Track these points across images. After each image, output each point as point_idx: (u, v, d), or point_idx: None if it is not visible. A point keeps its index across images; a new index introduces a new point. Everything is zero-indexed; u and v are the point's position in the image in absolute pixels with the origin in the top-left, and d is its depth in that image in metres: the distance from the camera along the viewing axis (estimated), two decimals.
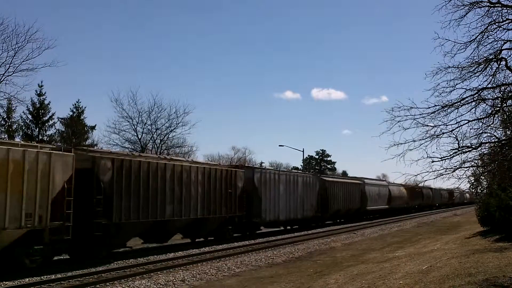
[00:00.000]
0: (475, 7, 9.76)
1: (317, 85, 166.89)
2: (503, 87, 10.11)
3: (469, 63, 9.93)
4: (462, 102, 9.84)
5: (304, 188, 32.68)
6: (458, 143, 9.95)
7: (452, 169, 9.95)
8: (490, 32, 9.86)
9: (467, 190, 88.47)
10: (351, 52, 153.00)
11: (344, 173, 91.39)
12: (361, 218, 45.63)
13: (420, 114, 9.93)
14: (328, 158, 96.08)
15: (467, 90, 9.90)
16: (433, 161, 9.92)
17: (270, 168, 32.99)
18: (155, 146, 45.45)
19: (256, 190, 26.72)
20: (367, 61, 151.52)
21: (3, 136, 37.05)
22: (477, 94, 9.90)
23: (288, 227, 32.47)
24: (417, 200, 65.99)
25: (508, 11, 9.80)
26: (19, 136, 39.55)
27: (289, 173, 32.86)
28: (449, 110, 9.86)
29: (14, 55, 31.96)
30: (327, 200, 36.68)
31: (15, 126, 40.74)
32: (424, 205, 70.72)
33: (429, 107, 9.91)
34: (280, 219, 29.73)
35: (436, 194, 77.86)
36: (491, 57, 9.85)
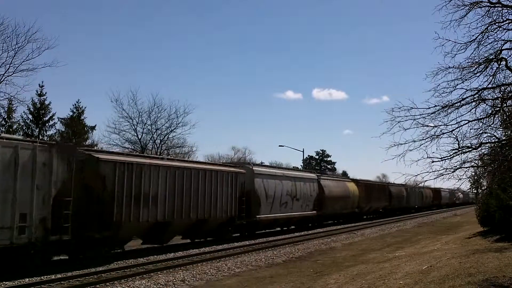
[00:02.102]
0: (475, 7, 9.76)
1: (318, 85, 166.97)
2: (503, 87, 10.11)
3: (469, 63, 9.93)
4: (462, 102, 9.84)
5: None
6: (458, 143, 9.96)
7: (452, 169, 9.96)
8: (490, 32, 9.86)
9: (456, 189, 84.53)
10: (352, 52, 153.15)
11: (344, 173, 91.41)
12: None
13: (420, 115, 9.94)
14: (328, 158, 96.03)
15: (467, 90, 9.91)
16: (433, 162, 9.93)
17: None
18: (155, 146, 45.39)
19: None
20: (368, 61, 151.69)
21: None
22: (477, 94, 9.90)
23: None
24: (379, 201, 49.81)
25: (508, 11, 9.80)
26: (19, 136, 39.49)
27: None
28: (449, 111, 9.87)
29: (14, 55, 31.93)
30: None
31: (15, 126, 40.75)
32: (394, 209, 55.49)
33: (429, 108, 9.92)
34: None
35: (414, 194, 63.01)
36: (491, 57, 9.85)
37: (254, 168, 27.11)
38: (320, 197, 34.37)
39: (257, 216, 26.32)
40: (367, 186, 45.95)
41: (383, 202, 51.25)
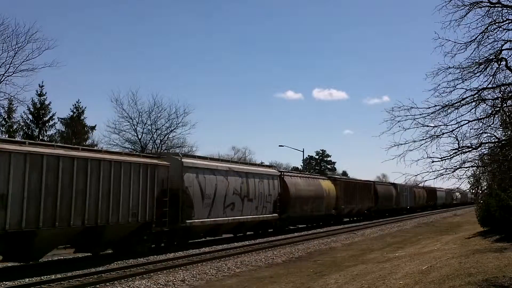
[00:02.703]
0: (475, 7, 9.77)
1: (319, 85, 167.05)
2: (503, 87, 10.12)
3: (469, 63, 9.95)
4: (462, 102, 9.85)
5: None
6: (458, 143, 9.97)
7: (452, 169, 9.96)
8: (490, 32, 9.87)
9: (454, 189, 79.74)
10: (353, 52, 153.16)
11: (344, 173, 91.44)
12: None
13: (420, 114, 9.95)
14: (328, 158, 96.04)
15: (467, 90, 9.92)
16: (433, 161, 9.93)
17: (209, 158, 25.05)
18: (155, 146, 45.43)
19: (185, 189, 20.72)
20: (368, 61, 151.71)
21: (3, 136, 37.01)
22: (477, 94, 9.91)
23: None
24: (363, 201, 43.58)
25: (508, 11, 9.80)
26: (20, 137, 39.55)
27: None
28: (449, 110, 9.88)
29: (14, 56, 32.02)
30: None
31: (15, 126, 40.78)
32: (381, 210, 49.89)
33: (429, 107, 9.93)
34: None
35: (405, 194, 57.90)
36: (491, 57, 9.86)
37: (184, 160, 21.00)
38: (284, 197, 29.22)
39: (189, 221, 20.64)
40: (347, 185, 40.43)
41: (368, 202, 45.34)
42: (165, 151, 45.63)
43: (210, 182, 22.34)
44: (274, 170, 29.93)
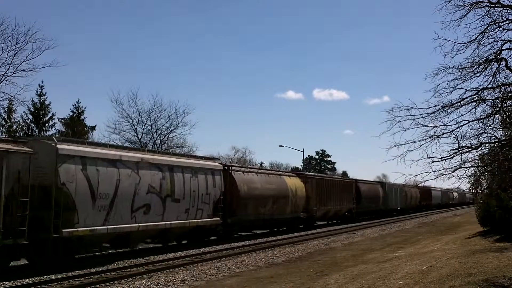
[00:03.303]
0: (475, 7, 9.78)
1: (319, 86, 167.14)
2: (503, 87, 10.13)
3: (469, 64, 9.96)
4: (462, 102, 9.86)
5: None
6: (458, 144, 9.97)
7: (452, 169, 9.97)
8: (490, 33, 9.89)
9: (453, 189, 76.15)
10: (353, 52, 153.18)
11: (344, 173, 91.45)
12: None
13: (420, 115, 9.96)
14: (328, 158, 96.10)
15: (467, 90, 9.93)
16: (433, 162, 9.95)
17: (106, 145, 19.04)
18: (155, 146, 45.44)
19: (61, 185, 15.22)
20: (369, 61, 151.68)
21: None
22: (477, 95, 9.92)
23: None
24: (342, 202, 38.35)
25: (508, 11, 9.81)
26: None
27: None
28: (449, 111, 9.89)
29: (14, 56, 32.00)
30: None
31: (15, 126, 40.79)
32: (365, 212, 44.89)
33: (429, 108, 9.94)
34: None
35: (394, 194, 52.80)
36: (491, 57, 9.87)
37: (60, 146, 15.34)
38: (232, 197, 24.23)
39: (68, 230, 15.12)
40: (320, 183, 34.97)
41: (348, 203, 39.90)
42: (165, 150, 45.68)
43: (108, 176, 16.86)
44: (216, 163, 23.86)
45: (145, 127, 45.37)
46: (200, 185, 21.59)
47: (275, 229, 30.42)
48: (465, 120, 9.97)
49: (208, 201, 22.11)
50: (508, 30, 9.96)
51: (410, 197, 59.78)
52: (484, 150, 10.66)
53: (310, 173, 39.81)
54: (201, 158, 24.29)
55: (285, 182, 29.78)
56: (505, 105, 10.20)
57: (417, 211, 63.02)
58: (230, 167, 25.61)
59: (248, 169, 28.85)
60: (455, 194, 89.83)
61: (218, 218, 22.87)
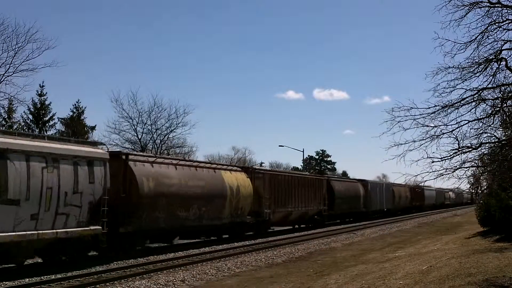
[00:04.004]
0: (475, 7, 9.79)
1: (319, 86, 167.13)
2: (503, 87, 10.14)
3: (469, 63, 9.98)
4: (462, 102, 9.88)
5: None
6: (458, 144, 9.99)
7: (452, 169, 9.98)
8: (490, 33, 9.91)
9: (452, 189, 74.09)
10: (353, 52, 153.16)
11: (344, 173, 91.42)
12: None
13: (420, 115, 9.97)
14: (328, 158, 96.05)
15: (467, 90, 9.95)
16: (433, 162, 9.96)
17: None
18: (155, 146, 45.48)
19: None
20: (369, 61, 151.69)
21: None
22: (477, 94, 9.93)
23: None
24: (308, 203, 31.94)
25: (508, 11, 9.82)
26: None
27: None
28: (449, 111, 9.91)
29: (14, 56, 32.07)
30: None
31: (15, 126, 40.78)
32: (340, 214, 39.06)
33: (429, 108, 9.95)
34: None
35: (378, 193, 47.34)
36: (491, 57, 9.88)
37: None
38: (128, 197, 17.99)
39: None
40: (277, 180, 28.49)
41: (317, 204, 33.60)
42: (165, 151, 45.71)
43: None
44: (95, 150, 16.89)
45: (145, 127, 45.44)
46: (62, 179, 14.89)
47: (203, 238, 23.92)
48: (465, 120, 10.00)
49: (79, 203, 15.53)
50: (508, 30, 9.98)
51: (399, 197, 54.05)
52: (484, 150, 10.68)
53: (262, 168, 33.06)
54: (70, 141, 16.59)
55: (221, 178, 22.98)
56: (505, 105, 10.21)
57: (407, 212, 57.45)
58: (126, 156, 18.81)
59: (161, 159, 20.96)
60: (451, 194, 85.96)
61: (99, 227, 16.24)
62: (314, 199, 33.35)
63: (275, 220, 28.75)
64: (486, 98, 10.07)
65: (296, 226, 33.61)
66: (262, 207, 26.56)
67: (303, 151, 59.12)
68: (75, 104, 45.86)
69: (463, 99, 9.86)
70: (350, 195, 40.71)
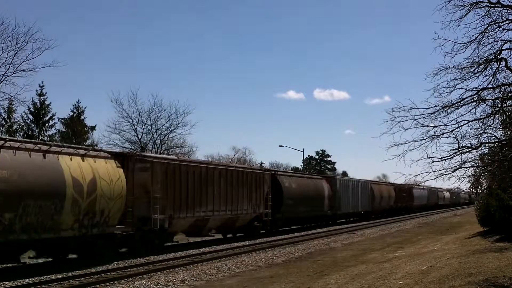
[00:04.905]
0: (475, 7, 9.80)
1: (319, 86, 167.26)
2: (503, 87, 10.15)
3: (469, 64, 9.98)
4: (462, 102, 9.88)
5: None
6: (458, 144, 9.99)
7: (452, 169, 9.99)
8: (490, 33, 9.90)
9: (453, 189, 65.27)
10: (354, 52, 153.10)
11: (344, 173, 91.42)
12: None
13: (420, 115, 9.98)
14: (328, 158, 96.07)
15: (467, 90, 9.96)
16: (433, 162, 9.97)
17: None
18: (155, 147, 45.48)
19: None
20: (369, 61, 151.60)
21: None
22: (477, 95, 9.94)
23: None
24: (238, 205, 23.97)
25: (508, 11, 9.82)
26: (20, 137, 39.57)
27: None
28: (449, 111, 9.92)
29: (14, 56, 32.10)
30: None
31: (15, 127, 40.83)
32: (293, 218, 30.93)
33: (429, 108, 9.96)
34: None
35: (349, 192, 39.73)
36: (491, 57, 9.89)
37: None
38: None
39: None
40: (178, 171, 20.20)
41: (252, 207, 25.42)
42: (165, 151, 45.73)
43: None
44: None
45: (145, 127, 45.44)
46: None
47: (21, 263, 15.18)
48: (465, 120, 10.00)
49: None
50: (508, 30, 9.98)
51: (380, 197, 46.81)
52: (484, 150, 10.70)
53: (150, 155, 21.49)
54: None
55: (56, 166, 14.88)
56: (505, 105, 10.22)
57: (392, 215, 50.48)
58: None
59: None
60: (446, 193, 78.87)
61: None
62: (249, 199, 25.18)
63: (178, 230, 21.39)
64: (486, 98, 10.08)
65: (220, 236, 25.58)
66: (151, 210, 18.45)
67: (303, 151, 59.14)
68: (75, 104, 45.93)
69: (463, 99, 9.87)
70: (308, 195, 32.10)
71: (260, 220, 26.77)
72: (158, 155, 24.95)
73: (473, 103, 9.91)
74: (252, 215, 25.80)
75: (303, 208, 31.54)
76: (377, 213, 47.30)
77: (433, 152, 10.00)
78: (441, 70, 9.96)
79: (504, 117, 10.67)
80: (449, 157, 9.92)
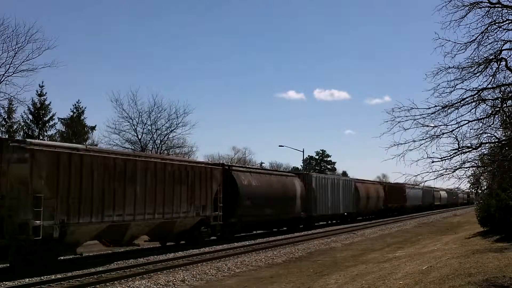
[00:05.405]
0: (475, 7, 9.81)
1: (320, 86, 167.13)
2: (503, 88, 10.16)
3: (469, 64, 9.99)
4: (462, 102, 9.89)
5: None
6: (458, 144, 10.00)
7: (452, 169, 9.99)
8: (490, 33, 9.93)
9: (453, 189, 62.59)
10: (354, 52, 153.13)
11: (344, 173, 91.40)
12: None
13: (421, 115, 9.98)
14: (328, 158, 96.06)
15: (467, 90, 9.97)
16: (433, 162, 9.97)
17: None
18: (155, 146, 45.47)
19: None
20: (369, 61, 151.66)
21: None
22: (477, 95, 9.94)
23: None
24: (166, 206, 18.32)
25: (508, 11, 9.82)
26: (20, 137, 39.57)
27: None
28: (449, 111, 9.93)
29: (14, 56, 32.12)
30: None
31: (15, 127, 40.84)
32: (253, 222, 26.42)
33: (429, 108, 9.96)
34: None
35: (328, 191, 34.82)
36: (491, 57, 9.90)
37: None
38: None
39: None
40: (77, 163, 15.25)
41: (196, 209, 20.73)
42: (165, 151, 45.70)
43: None
44: None
45: (145, 127, 45.40)
46: None
47: None
48: (465, 120, 10.01)
49: None
50: (508, 30, 9.99)
51: (366, 198, 42.60)
52: (484, 150, 10.71)
53: (32, 141, 15.85)
54: None
55: None
56: (505, 105, 10.23)
57: (381, 216, 46.18)
58: None
59: None
60: (442, 193, 74.53)
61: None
62: (191, 199, 20.62)
63: (82, 239, 16.38)
64: (486, 98, 10.09)
65: (151, 245, 20.99)
66: (29, 215, 13.81)
67: (303, 151, 59.05)
68: (75, 104, 45.97)
69: (463, 99, 9.88)
70: (275, 195, 27.50)
71: (207, 224, 22.13)
72: (44, 141, 20.08)
73: (473, 103, 9.92)
74: (195, 218, 21.06)
75: (268, 210, 27.07)
76: (364, 215, 43.45)
77: (433, 152, 10.01)
78: (441, 70, 9.98)
79: (504, 117, 10.67)
80: (449, 157, 9.93)
